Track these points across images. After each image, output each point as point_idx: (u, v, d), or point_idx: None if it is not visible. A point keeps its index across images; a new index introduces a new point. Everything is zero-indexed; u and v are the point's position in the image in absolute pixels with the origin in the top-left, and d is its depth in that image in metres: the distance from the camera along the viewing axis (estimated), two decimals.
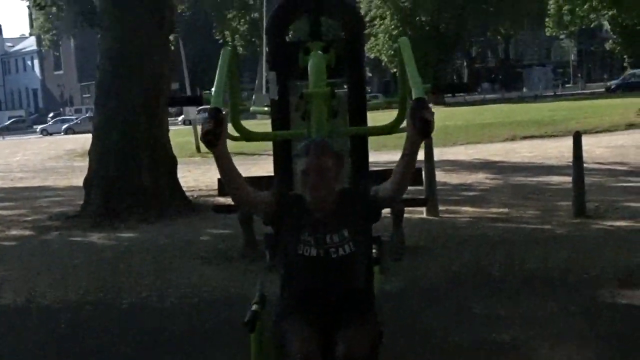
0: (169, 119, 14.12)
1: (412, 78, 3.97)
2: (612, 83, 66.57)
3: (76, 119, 72.44)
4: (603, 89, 64.97)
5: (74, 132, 63.14)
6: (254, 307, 4.05)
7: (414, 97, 3.70)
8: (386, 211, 9.10)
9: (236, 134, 4.84)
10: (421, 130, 3.48)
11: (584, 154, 10.76)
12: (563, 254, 8.35)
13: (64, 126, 69.75)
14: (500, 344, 5.62)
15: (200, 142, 19.53)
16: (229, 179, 3.76)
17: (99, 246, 10.44)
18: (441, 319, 6.30)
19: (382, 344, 3.94)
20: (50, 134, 67.17)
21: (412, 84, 3.88)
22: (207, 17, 73.73)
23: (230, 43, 71.82)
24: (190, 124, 32.95)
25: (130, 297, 7.60)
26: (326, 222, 3.88)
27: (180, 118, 55.51)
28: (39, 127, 72.92)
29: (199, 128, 25.38)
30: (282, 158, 4.43)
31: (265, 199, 3.94)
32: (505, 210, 11.51)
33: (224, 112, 3.56)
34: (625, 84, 62.96)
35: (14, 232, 12.02)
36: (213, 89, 4.14)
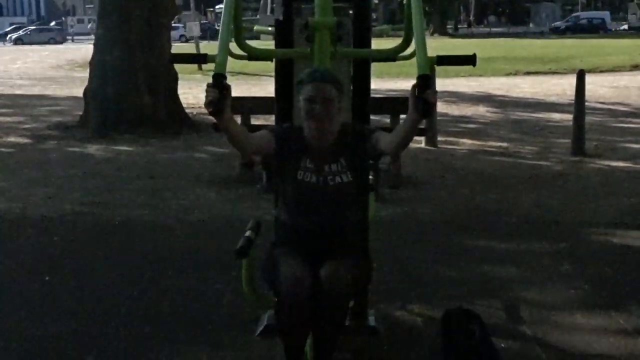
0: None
1: (418, 46, 3.89)
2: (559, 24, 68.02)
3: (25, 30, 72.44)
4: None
5: (23, 43, 63.25)
6: (248, 233, 4.05)
7: (418, 73, 3.63)
8: None
9: (239, 52, 4.80)
10: (423, 111, 3.42)
11: (587, 93, 10.71)
12: (558, 194, 8.35)
13: (13, 36, 69.83)
14: (488, 281, 5.64)
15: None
16: (236, 143, 3.72)
17: (96, 158, 10.44)
18: (432, 253, 6.32)
19: (371, 278, 3.95)
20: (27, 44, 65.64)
21: (417, 55, 3.80)
22: None
23: None
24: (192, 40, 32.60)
25: (124, 212, 7.62)
26: (325, 151, 3.85)
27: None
28: (12, 36, 71.83)
29: (202, 44, 25.09)
30: (283, 78, 4.37)
31: (265, 141, 3.87)
32: (504, 144, 11.50)
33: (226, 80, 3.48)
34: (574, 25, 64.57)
35: (11, 139, 12.01)
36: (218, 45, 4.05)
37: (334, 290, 3.57)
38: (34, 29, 68.61)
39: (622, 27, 72.00)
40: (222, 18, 4.12)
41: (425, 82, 3.41)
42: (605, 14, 73.38)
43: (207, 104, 3.40)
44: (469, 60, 4.17)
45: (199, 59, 4.35)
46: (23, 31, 71.76)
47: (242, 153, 3.82)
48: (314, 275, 3.63)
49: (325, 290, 3.57)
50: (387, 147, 3.77)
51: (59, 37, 68.90)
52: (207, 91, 3.40)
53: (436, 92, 3.46)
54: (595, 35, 54.92)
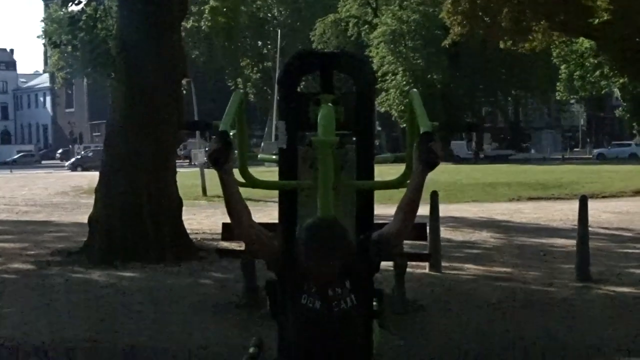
0: (177, 162, 14.15)
1: (421, 119, 3.97)
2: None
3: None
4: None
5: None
6: (251, 350, 4.02)
7: (421, 132, 3.69)
8: (388, 265, 9.12)
9: (243, 181, 4.86)
10: (427, 161, 3.45)
11: (590, 218, 10.75)
12: (564, 321, 8.28)
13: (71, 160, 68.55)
14: None
15: (205, 185, 19.41)
16: (233, 205, 3.72)
17: (99, 284, 10.42)
18: None
19: None
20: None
21: (420, 123, 3.88)
22: (221, 63, 74.12)
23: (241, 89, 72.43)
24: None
25: (126, 339, 7.56)
26: (329, 275, 3.83)
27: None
28: (67, 163, 70.58)
29: (206, 172, 25.29)
30: (287, 207, 4.42)
31: (269, 243, 3.86)
32: (509, 270, 11.46)
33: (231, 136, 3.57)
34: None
35: (15, 266, 12.01)
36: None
37: None
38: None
39: None
40: (227, 107, 4.24)
41: (429, 136, 3.45)
42: None
43: (211, 153, 3.46)
44: (471, 127, 4.30)
45: (205, 126, 4.49)
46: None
47: (236, 222, 3.74)
48: None
49: None
50: (394, 227, 3.75)
51: None
52: (211, 144, 3.47)
53: (440, 144, 3.48)
54: None
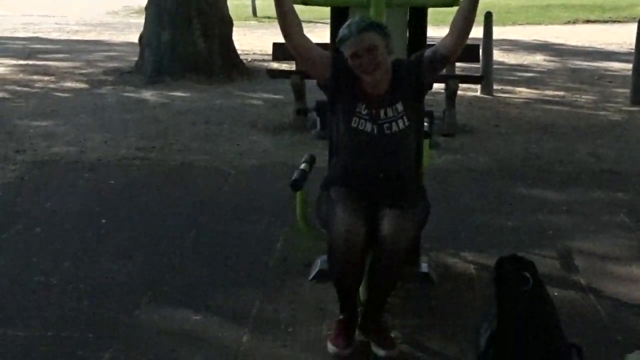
0: None
1: None
2: None
3: None
4: None
5: None
6: (302, 165, 4.05)
7: None
8: (440, 87, 9.05)
9: None
10: None
11: None
12: (615, 144, 8.22)
13: None
14: (542, 230, 5.60)
15: (255, 5, 19.15)
16: (285, 25, 3.69)
17: (151, 104, 10.51)
18: (484, 201, 6.28)
19: (427, 221, 3.95)
20: None
21: None
22: None
23: None
24: None
25: (179, 157, 7.68)
26: (381, 97, 3.80)
27: None
28: None
29: None
30: (338, 26, 4.34)
31: (322, 58, 3.84)
32: (561, 93, 11.33)
33: None
34: None
35: (68, 84, 12.12)
36: None
37: (397, 245, 3.54)
38: None
39: None
40: None
41: None
42: None
43: None
44: None
45: None
46: None
47: (287, 35, 3.74)
48: (370, 221, 3.61)
49: (387, 245, 3.54)
50: (449, 45, 3.72)
51: None
52: None
53: None
54: None
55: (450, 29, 3.70)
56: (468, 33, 3.66)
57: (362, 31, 3.68)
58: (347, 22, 3.80)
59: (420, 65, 3.78)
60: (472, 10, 3.61)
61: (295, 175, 3.93)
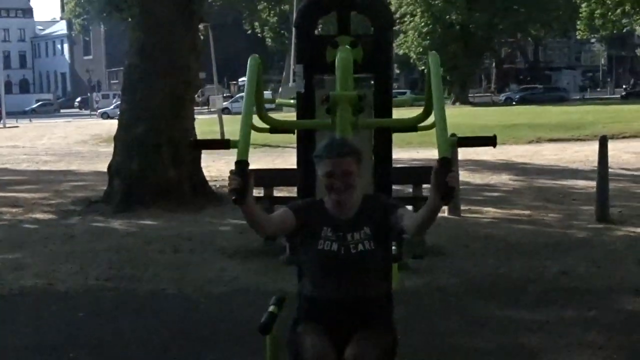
0: (195, 108, 14.12)
1: (438, 127, 3.88)
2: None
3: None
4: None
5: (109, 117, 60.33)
6: (271, 308, 4.01)
7: (439, 155, 3.61)
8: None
9: (261, 126, 4.85)
10: (444, 196, 3.39)
11: (610, 159, 10.68)
12: (584, 261, 8.27)
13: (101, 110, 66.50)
14: (516, 351, 5.57)
15: (224, 131, 19.41)
16: (255, 226, 3.75)
17: (120, 233, 10.48)
18: (458, 323, 6.27)
19: (396, 353, 3.89)
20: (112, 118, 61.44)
21: (438, 136, 3.81)
22: (238, 7, 73.67)
23: (259, 34, 72.05)
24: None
25: (148, 286, 7.62)
26: (348, 222, 3.84)
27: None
28: (98, 111, 68.59)
29: (225, 117, 25.30)
30: (305, 148, 4.40)
31: (285, 219, 3.88)
32: (528, 212, 11.44)
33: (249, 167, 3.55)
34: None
35: (37, 215, 12.09)
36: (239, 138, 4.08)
37: None
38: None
39: None
40: (243, 103, 4.17)
41: (447, 165, 3.38)
42: None
43: (230, 191, 3.44)
44: (490, 140, 4.19)
45: (221, 144, 4.39)
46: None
47: (260, 233, 3.81)
48: (339, 350, 3.59)
49: None
50: (409, 228, 3.76)
51: None
52: (229, 178, 3.45)
53: (458, 174, 3.44)
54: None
55: (417, 214, 3.78)
56: (428, 227, 3.73)
57: (343, 155, 3.75)
58: (329, 140, 3.89)
59: (389, 214, 3.83)
60: (433, 218, 3.65)
61: (263, 318, 3.88)
